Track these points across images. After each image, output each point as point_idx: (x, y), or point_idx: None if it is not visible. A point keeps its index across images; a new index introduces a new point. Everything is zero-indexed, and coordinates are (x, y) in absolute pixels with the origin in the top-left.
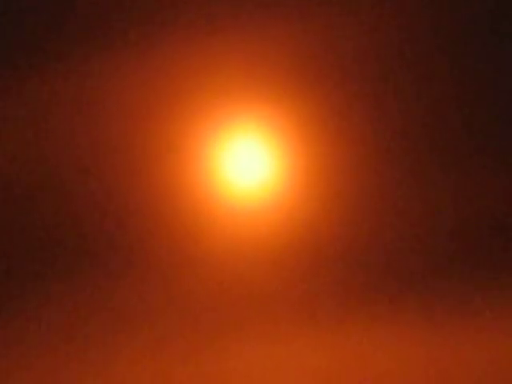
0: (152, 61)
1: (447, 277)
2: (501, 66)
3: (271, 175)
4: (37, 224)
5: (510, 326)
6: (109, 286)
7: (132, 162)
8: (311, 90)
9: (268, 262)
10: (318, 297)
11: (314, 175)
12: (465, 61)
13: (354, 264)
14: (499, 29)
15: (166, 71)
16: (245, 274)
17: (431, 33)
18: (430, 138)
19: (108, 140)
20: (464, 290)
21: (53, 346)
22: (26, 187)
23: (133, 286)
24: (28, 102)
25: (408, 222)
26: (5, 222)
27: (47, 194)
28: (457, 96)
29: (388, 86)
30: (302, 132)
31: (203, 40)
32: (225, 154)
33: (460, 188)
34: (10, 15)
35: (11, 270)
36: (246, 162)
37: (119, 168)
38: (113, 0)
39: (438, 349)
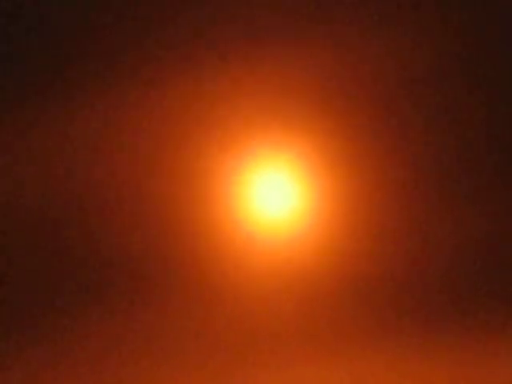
0: (174, 91)
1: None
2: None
3: (296, 205)
4: (58, 252)
5: None
6: (128, 316)
7: (155, 191)
8: (340, 122)
9: (290, 292)
10: (339, 326)
11: (339, 205)
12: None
13: (377, 295)
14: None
15: (188, 101)
16: (267, 302)
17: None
18: (458, 171)
19: (127, 169)
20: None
21: (73, 374)
22: (46, 218)
23: (154, 315)
24: (47, 138)
25: (432, 254)
26: (22, 252)
27: (66, 222)
28: (471, 121)
29: (414, 115)
30: (328, 162)
31: (221, 70)
32: (251, 184)
33: (478, 221)
34: (15, 55)
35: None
36: (272, 192)
37: (140, 196)
38: (121, 38)
39: None
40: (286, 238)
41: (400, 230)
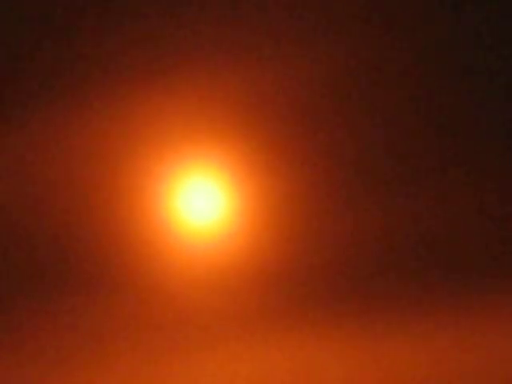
0: (115, 109)
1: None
2: None
3: (223, 210)
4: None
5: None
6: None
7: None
8: (267, 135)
9: (221, 286)
10: (264, 312)
11: (261, 208)
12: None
13: (299, 281)
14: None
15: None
16: (202, 295)
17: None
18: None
19: (82, 181)
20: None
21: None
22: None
23: (110, 307)
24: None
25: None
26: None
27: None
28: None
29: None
30: (252, 169)
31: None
32: (184, 194)
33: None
34: None
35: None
36: (202, 200)
37: (96, 205)
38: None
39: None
40: (213, 238)
41: (317, 229)
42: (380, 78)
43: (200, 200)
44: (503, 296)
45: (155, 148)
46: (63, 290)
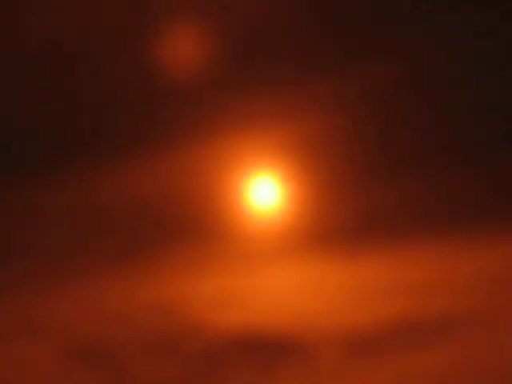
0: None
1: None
2: None
3: (280, 195)
4: None
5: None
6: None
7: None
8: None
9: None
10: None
11: (306, 193)
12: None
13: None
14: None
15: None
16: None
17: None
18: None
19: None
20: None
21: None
22: None
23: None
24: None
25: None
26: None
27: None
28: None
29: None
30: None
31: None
32: (252, 184)
33: None
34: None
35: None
36: (266, 190)
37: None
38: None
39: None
40: (274, 214)
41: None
42: None
43: (264, 191)
44: None
45: (241, 162)
46: (183, 235)
